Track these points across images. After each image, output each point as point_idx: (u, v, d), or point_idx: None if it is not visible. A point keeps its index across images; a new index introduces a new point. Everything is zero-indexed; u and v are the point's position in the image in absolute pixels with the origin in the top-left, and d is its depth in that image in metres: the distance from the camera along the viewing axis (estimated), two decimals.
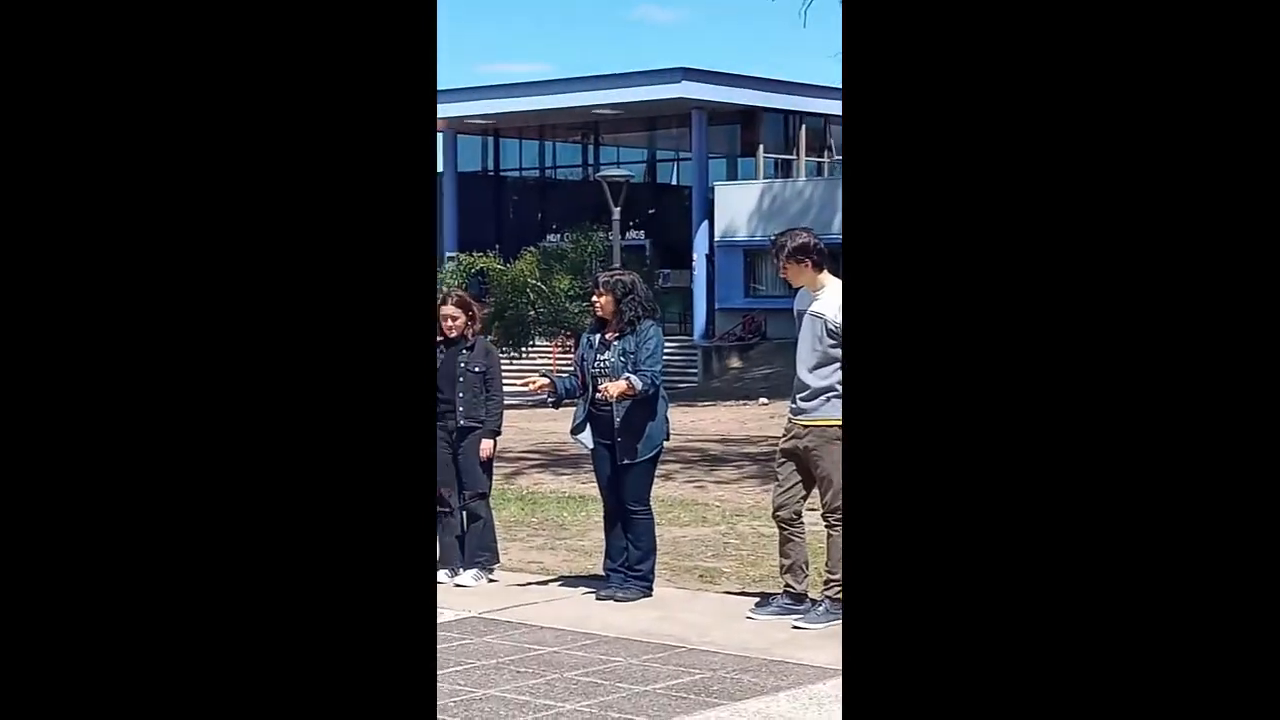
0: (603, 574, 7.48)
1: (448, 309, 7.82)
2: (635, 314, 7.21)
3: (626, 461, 7.13)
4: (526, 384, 7.72)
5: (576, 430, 7.31)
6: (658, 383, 7.18)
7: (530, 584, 7.78)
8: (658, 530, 8.43)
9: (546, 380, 7.49)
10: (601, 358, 7.22)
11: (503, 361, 8.64)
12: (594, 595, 7.26)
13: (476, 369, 7.73)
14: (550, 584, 7.79)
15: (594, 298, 7.41)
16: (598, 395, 7.12)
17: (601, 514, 7.58)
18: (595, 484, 7.78)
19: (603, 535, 7.55)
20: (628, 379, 7.01)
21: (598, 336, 7.32)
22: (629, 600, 7.10)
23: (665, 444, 7.40)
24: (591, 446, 7.27)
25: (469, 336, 7.82)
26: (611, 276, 7.43)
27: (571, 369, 7.57)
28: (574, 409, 7.42)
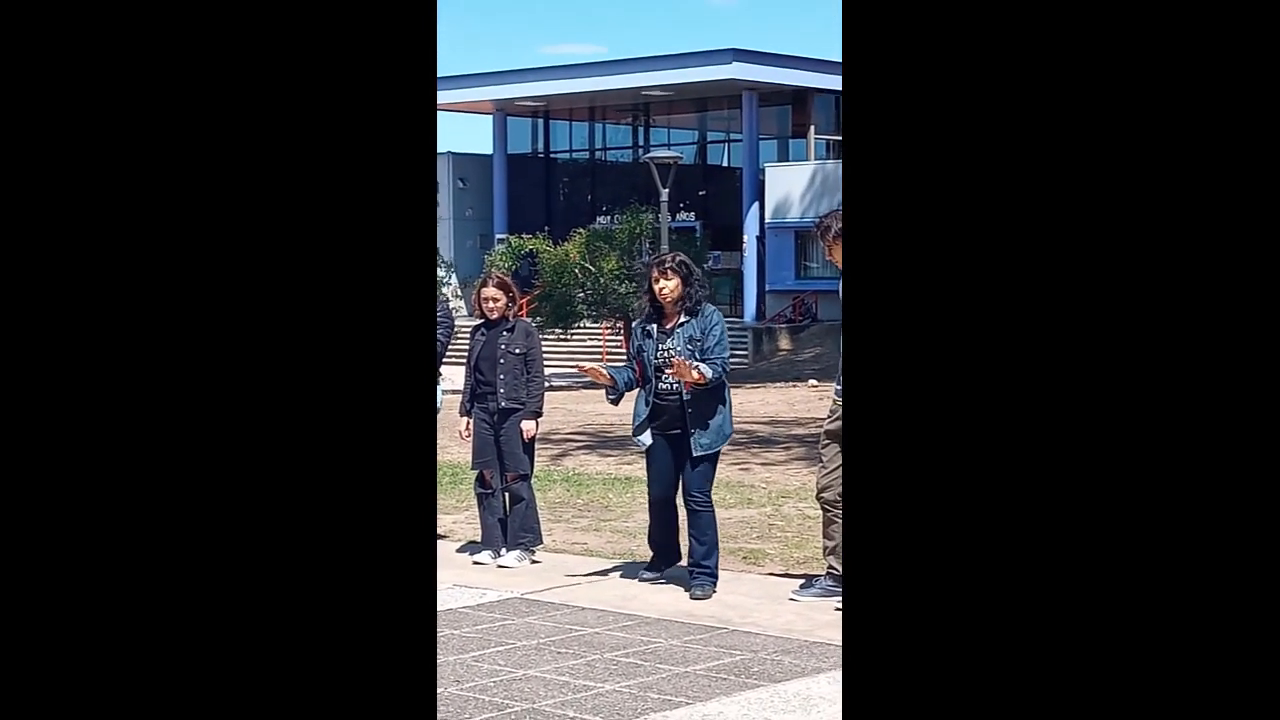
0: (647, 556, 7.38)
1: (489, 291, 7.82)
2: (701, 296, 6.88)
3: (699, 454, 6.79)
4: (580, 370, 7.38)
5: (639, 432, 6.93)
6: (727, 369, 6.87)
7: (573, 565, 7.77)
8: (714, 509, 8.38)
9: (605, 375, 7.02)
10: (664, 347, 6.82)
11: (550, 343, 8.61)
12: (638, 579, 7.11)
13: (517, 350, 7.71)
14: (593, 565, 7.77)
15: (656, 282, 6.87)
16: (661, 386, 6.80)
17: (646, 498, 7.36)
18: (642, 465, 7.49)
19: (647, 517, 7.38)
20: (698, 369, 6.64)
21: (654, 325, 6.91)
22: (706, 598, 6.74)
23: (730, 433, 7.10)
24: (650, 444, 6.92)
25: (510, 318, 7.81)
26: (673, 258, 6.96)
27: (625, 360, 7.17)
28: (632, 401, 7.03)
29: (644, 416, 6.89)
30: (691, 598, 6.78)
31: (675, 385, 6.78)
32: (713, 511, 6.98)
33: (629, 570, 7.47)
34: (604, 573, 7.50)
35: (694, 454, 6.79)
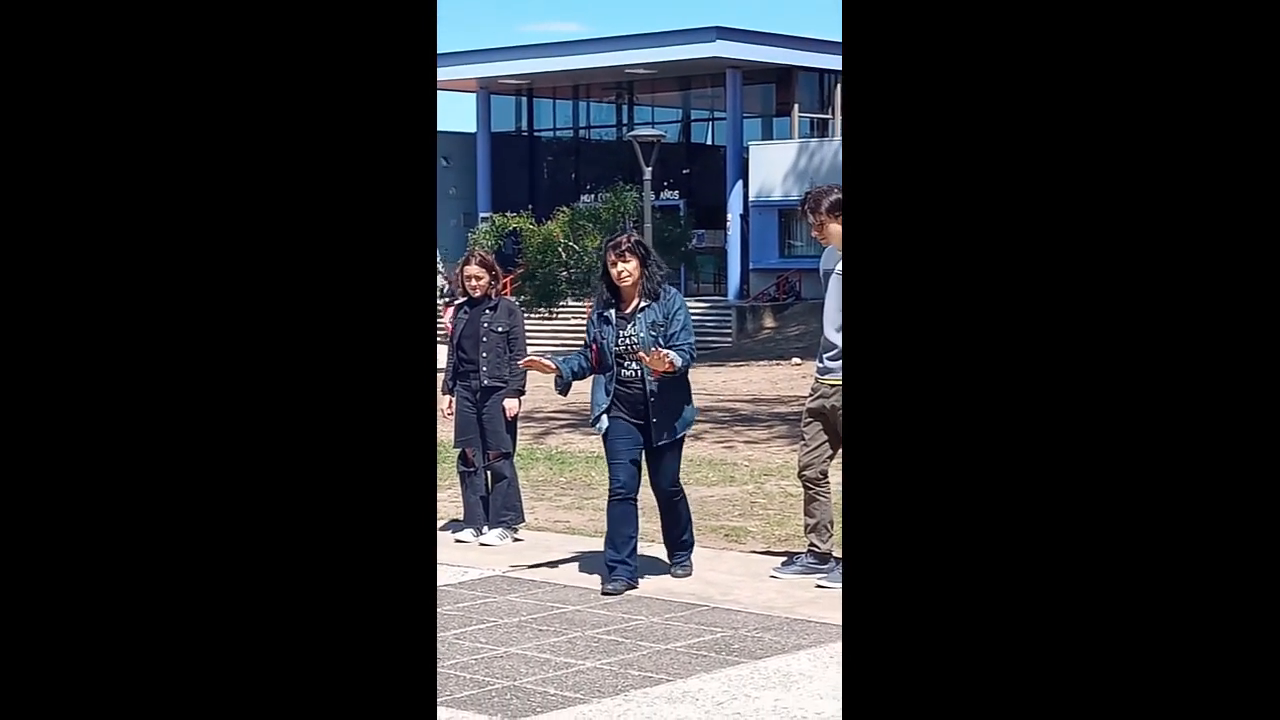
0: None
1: (471, 269, 7.81)
2: (660, 277, 6.60)
3: (664, 443, 6.56)
4: (522, 364, 7.10)
5: (597, 421, 6.62)
6: (694, 356, 6.64)
7: (556, 543, 7.78)
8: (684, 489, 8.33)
9: (550, 365, 6.65)
10: (625, 333, 6.52)
11: (534, 322, 8.54)
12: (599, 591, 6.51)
13: (500, 329, 7.71)
14: (576, 543, 7.78)
15: (614, 265, 6.52)
16: (625, 373, 6.53)
17: None
18: None
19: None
20: (669, 358, 6.36)
21: (613, 311, 6.59)
22: (689, 574, 6.73)
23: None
24: (608, 427, 6.60)
25: (493, 296, 7.81)
26: (629, 239, 6.63)
27: (581, 347, 6.82)
28: (585, 387, 6.70)
29: (604, 405, 6.57)
30: (675, 575, 6.76)
31: (639, 372, 6.51)
32: (685, 497, 6.86)
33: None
34: (587, 547, 7.52)
35: (658, 443, 6.54)
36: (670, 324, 6.49)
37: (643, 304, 6.55)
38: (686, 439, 6.93)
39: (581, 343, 6.85)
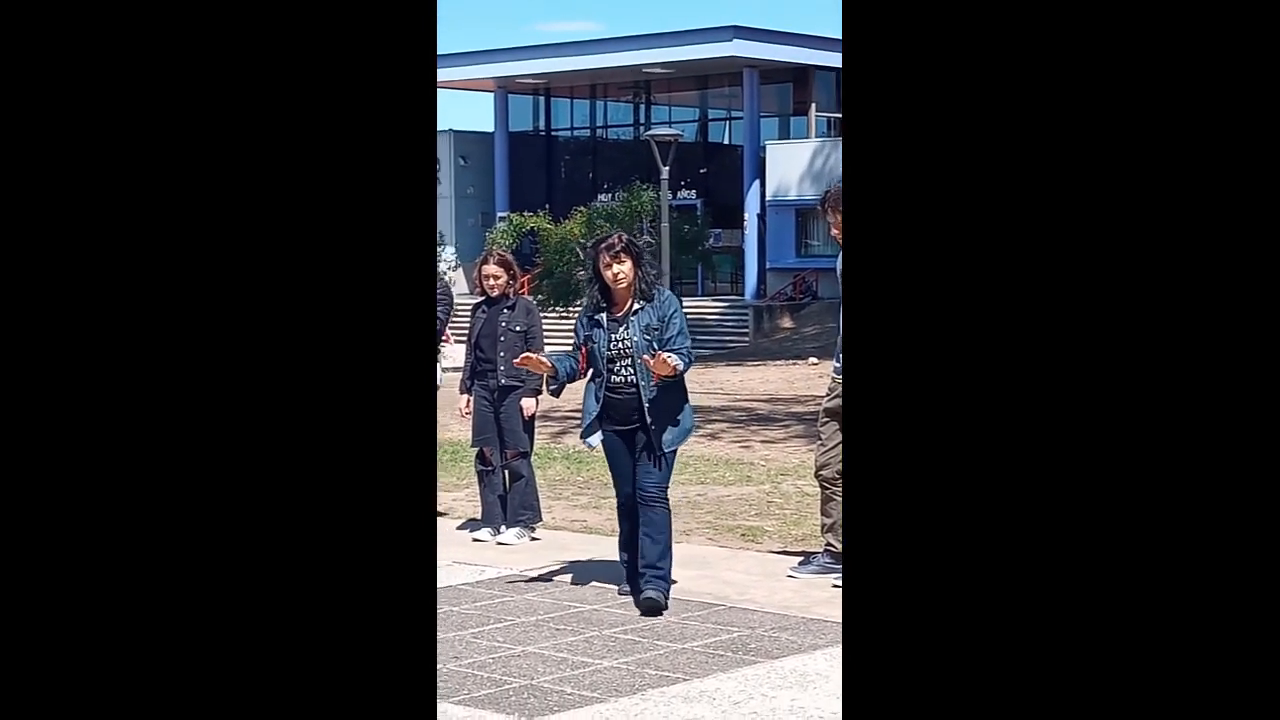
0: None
1: (489, 268, 7.83)
2: (652, 278, 6.28)
3: (664, 451, 6.21)
4: (518, 362, 6.64)
5: (589, 432, 6.34)
6: (692, 359, 6.31)
7: (573, 542, 7.79)
8: (701, 489, 8.33)
9: (546, 364, 6.36)
10: (617, 336, 6.19)
11: (551, 320, 8.52)
12: (615, 590, 6.50)
13: (518, 328, 7.72)
14: (593, 542, 7.80)
15: (609, 267, 6.18)
16: (615, 379, 6.21)
17: None
18: None
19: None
20: (673, 363, 6.05)
21: (604, 314, 6.25)
22: (659, 606, 6.09)
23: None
24: (597, 445, 6.34)
25: (510, 295, 7.82)
26: (621, 240, 6.27)
27: (570, 349, 6.45)
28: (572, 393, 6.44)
29: (595, 414, 6.26)
30: (643, 599, 6.12)
31: (630, 378, 6.19)
32: (669, 511, 6.35)
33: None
34: (604, 546, 7.54)
35: (658, 451, 6.19)
36: (666, 328, 6.17)
37: (635, 306, 6.23)
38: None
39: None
